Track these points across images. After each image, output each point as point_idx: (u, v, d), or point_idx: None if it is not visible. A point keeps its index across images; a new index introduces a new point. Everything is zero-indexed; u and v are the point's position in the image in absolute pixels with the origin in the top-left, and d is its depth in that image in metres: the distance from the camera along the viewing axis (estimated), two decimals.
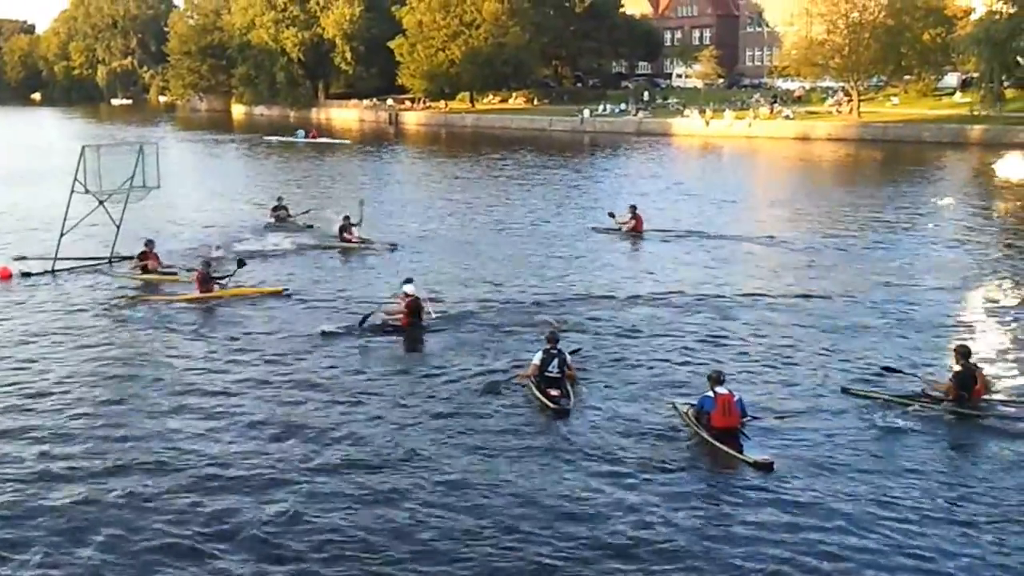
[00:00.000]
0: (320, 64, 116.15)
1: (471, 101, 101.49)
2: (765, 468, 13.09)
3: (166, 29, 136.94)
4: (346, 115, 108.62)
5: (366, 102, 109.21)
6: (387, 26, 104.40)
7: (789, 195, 43.71)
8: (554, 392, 15.76)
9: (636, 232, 31.31)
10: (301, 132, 78.26)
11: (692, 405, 14.58)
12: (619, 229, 31.70)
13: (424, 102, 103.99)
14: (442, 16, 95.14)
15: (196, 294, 22.91)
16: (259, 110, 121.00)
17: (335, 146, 71.99)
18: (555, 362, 16.11)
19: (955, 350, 15.25)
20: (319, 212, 34.84)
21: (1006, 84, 64.18)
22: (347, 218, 30.38)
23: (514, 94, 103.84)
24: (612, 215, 32.39)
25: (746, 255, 28.81)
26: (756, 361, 17.97)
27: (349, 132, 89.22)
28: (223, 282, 23.48)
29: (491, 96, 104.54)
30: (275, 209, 34.30)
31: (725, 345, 19.01)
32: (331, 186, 48.36)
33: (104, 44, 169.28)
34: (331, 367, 17.79)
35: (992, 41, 60.57)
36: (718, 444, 13.75)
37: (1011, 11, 60.55)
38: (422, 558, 11.03)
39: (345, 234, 29.86)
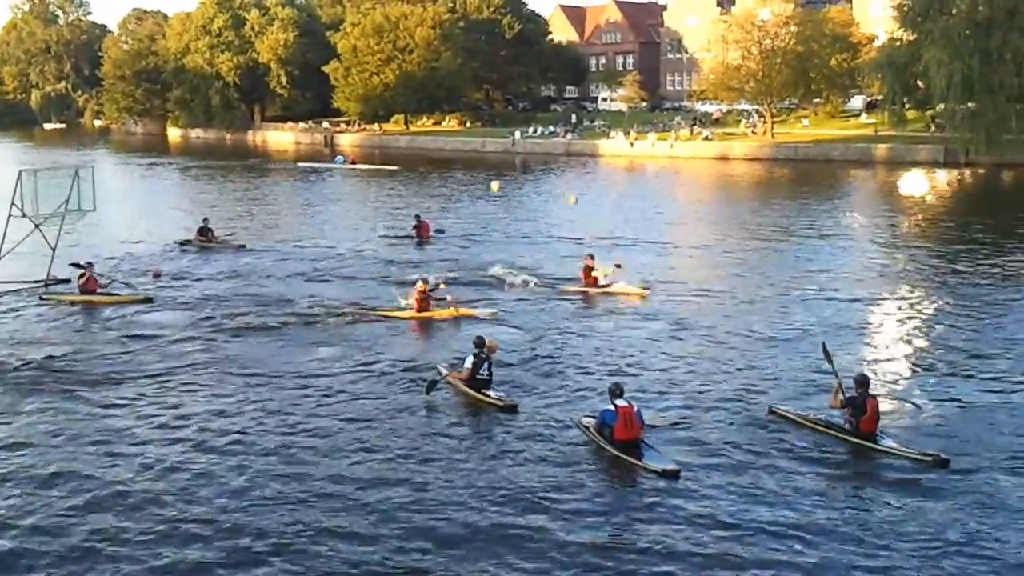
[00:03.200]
0: (256, 87, 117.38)
1: (405, 123, 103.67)
2: (672, 476, 13.25)
3: (100, 54, 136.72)
4: (282, 138, 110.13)
5: (302, 125, 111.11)
6: (322, 51, 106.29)
7: (710, 210, 46.32)
8: (491, 393, 16.51)
9: (424, 238, 34.84)
10: (340, 158, 75.94)
11: (594, 419, 14.61)
12: (410, 236, 35.22)
13: (359, 125, 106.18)
14: (376, 41, 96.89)
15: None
16: (195, 133, 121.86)
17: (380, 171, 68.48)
18: (485, 365, 16.74)
19: (854, 378, 14.99)
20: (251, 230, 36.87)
21: (907, 106, 67.11)
22: (206, 220, 34.57)
23: (447, 117, 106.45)
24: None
25: (668, 266, 30.29)
26: (666, 370, 18.43)
27: (285, 154, 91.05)
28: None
29: (425, 119, 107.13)
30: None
31: (640, 355, 19.61)
32: (264, 206, 49.87)
33: (37, 68, 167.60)
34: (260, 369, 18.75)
35: (894, 66, 63.60)
36: (623, 455, 13.87)
37: (911, 38, 63.59)
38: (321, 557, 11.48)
39: (200, 236, 33.74)
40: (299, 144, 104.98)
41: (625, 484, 13.58)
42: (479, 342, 17.21)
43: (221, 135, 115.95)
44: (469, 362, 16.86)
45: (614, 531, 12.07)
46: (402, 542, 11.77)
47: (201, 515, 12.52)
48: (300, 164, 75.66)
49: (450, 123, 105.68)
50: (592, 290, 25.42)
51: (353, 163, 71.97)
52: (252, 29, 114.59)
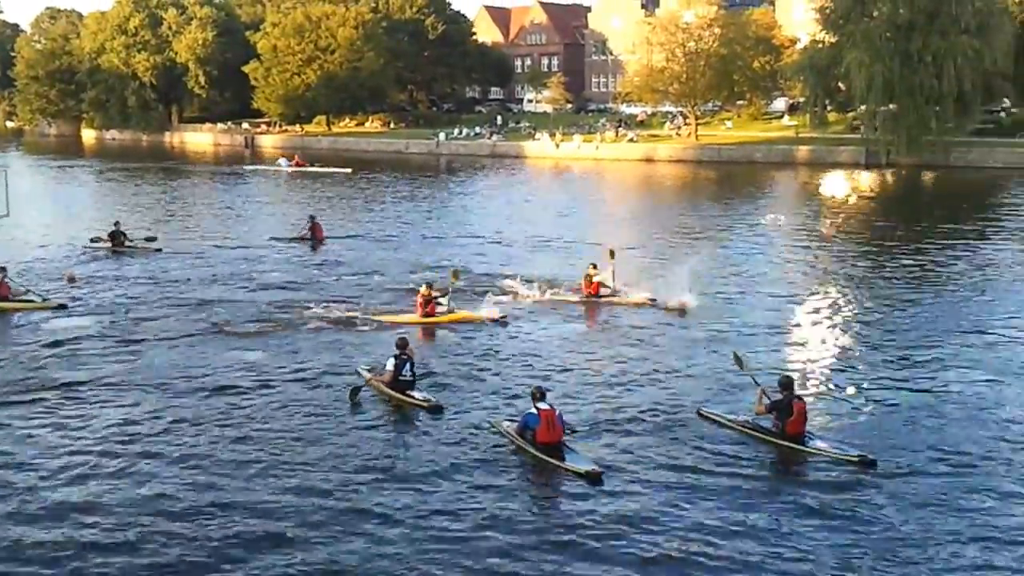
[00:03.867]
0: (173, 88, 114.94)
1: (328, 125, 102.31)
2: (594, 478, 13.25)
3: (12, 54, 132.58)
4: (200, 139, 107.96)
5: (221, 126, 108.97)
6: (241, 50, 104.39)
7: (637, 211, 46.41)
8: (416, 394, 16.50)
9: (318, 240, 34.69)
10: (284, 160, 70.48)
11: (514, 422, 14.61)
12: (303, 238, 34.93)
13: (280, 126, 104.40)
14: (297, 41, 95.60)
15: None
16: (110, 135, 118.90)
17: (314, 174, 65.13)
18: (407, 366, 16.71)
19: (779, 380, 15.02)
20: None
21: (829, 108, 68.26)
22: (117, 223, 33.91)
23: (370, 118, 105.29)
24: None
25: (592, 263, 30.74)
26: (594, 373, 18.33)
27: (204, 156, 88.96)
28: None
29: (347, 120, 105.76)
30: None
31: (568, 357, 19.47)
32: (178, 207, 48.80)
33: None
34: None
35: (815, 68, 64.60)
36: (546, 457, 13.86)
37: (832, 40, 64.59)
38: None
39: (111, 240, 33.23)
40: (218, 146, 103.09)
41: (548, 486, 13.58)
42: (401, 343, 17.12)
43: (137, 136, 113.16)
44: (391, 364, 16.72)
45: (536, 533, 12.03)
46: (318, 547, 11.62)
47: (109, 525, 12.18)
48: (244, 167, 71.30)
49: (373, 124, 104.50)
50: (598, 298, 24.21)
51: (299, 165, 68.24)
52: (169, 28, 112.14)
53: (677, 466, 13.87)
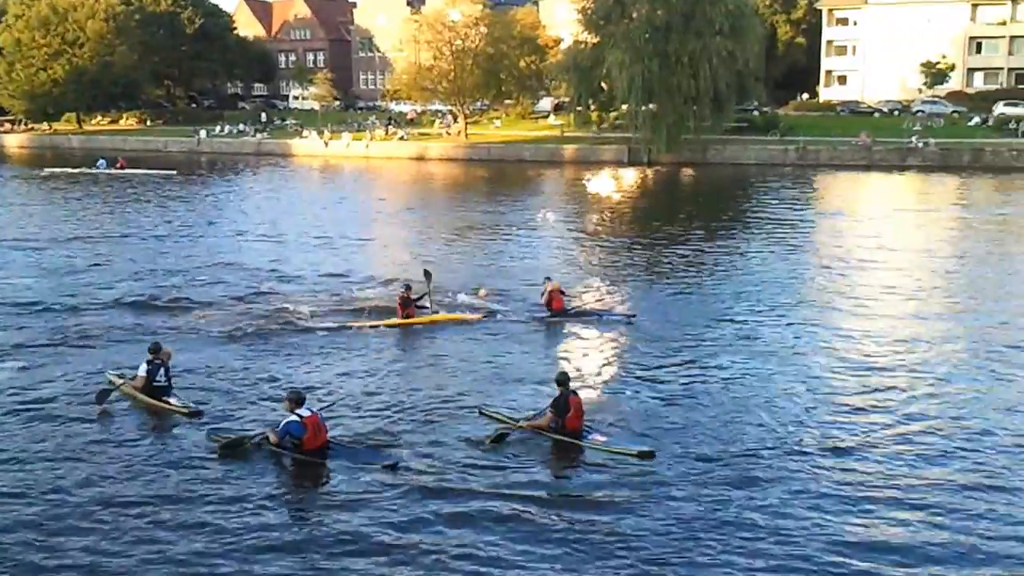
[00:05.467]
0: None
1: (78, 122, 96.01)
2: (391, 468, 13.42)
3: None
4: None
5: None
6: None
7: (410, 209, 46.19)
8: (172, 400, 16.04)
9: None
10: (103, 162, 62.79)
11: (274, 430, 14.01)
12: None
13: (25, 124, 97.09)
14: (42, 34, 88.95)
15: None
16: None
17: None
18: (161, 371, 16.25)
19: (556, 377, 15.16)
20: None
21: (592, 107, 69.89)
22: None
23: (125, 115, 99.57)
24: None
25: (371, 264, 30.45)
26: (372, 375, 18.11)
27: None
28: None
29: (100, 117, 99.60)
30: None
31: (340, 360, 19.18)
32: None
33: None
34: None
35: (579, 68, 66.07)
36: (318, 460, 13.69)
37: (594, 41, 66.42)
38: None
39: None
40: None
41: (311, 485, 13.55)
42: (154, 348, 16.77)
43: None
44: (143, 370, 16.34)
45: (310, 528, 12.16)
46: (54, 553, 11.43)
47: None
48: (50, 170, 62.62)
49: (128, 122, 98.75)
50: (561, 317, 22.61)
51: (121, 167, 61.64)
52: None
53: (457, 465, 13.88)
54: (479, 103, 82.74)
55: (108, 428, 15.51)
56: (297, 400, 13.92)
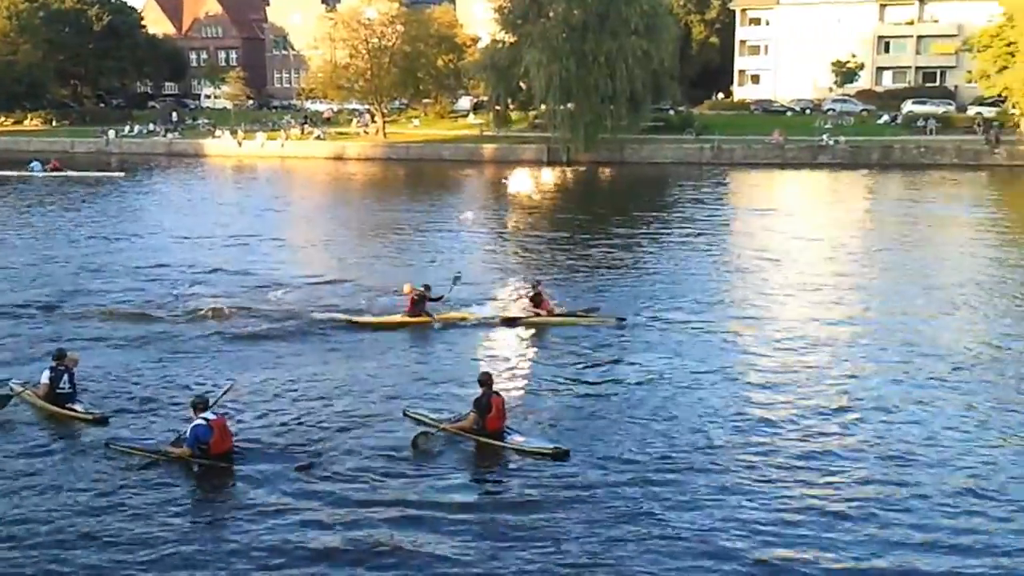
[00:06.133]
0: None
1: None
2: (304, 470, 13.41)
3: None
4: None
5: None
6: None
7: (328, 209, 46.15)
8: (77, 407, 15.69)
9: None
10: (36, 164, 59.64)
11: (178, 443, 13.78)
12: None
13: None
14: None
15: None
16: None
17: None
18: (65, 378, 15.93)
19: (478, 377, 15.17)
20: None
21: (511, 107, 69.86)
22: None
23: (30, 115, 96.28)
24: None
25: (288, 263, 30.09)
26: (293, 381, 17.74)
27: None
28: None
29: (3, 118, 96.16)
30: None
31: (259, 363, 18.88)
32: None
33: None
34: None
35: (497, 68, 65.91)
36: (226, 465, 13.58)
37: (512, 40, 66.27)
38: None
39: None
40: None
41: (222, 491, 13.37)
42: (58, 354, 16.40)
43: None
44: (46, 376, 15.97)
45: (218, 534, 11.98)
46: None
47: None
48: None
49: (33, 122, 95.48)
50: (551, 318, 22.10)
51: (56, 169, 58.42)
52: None
53: (375, 468, 13.82)
54: (397, 102, 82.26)
55: (7, 437, 14.99)
56: (202, 404, 13.76)
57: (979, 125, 66.22)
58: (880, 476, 13.60)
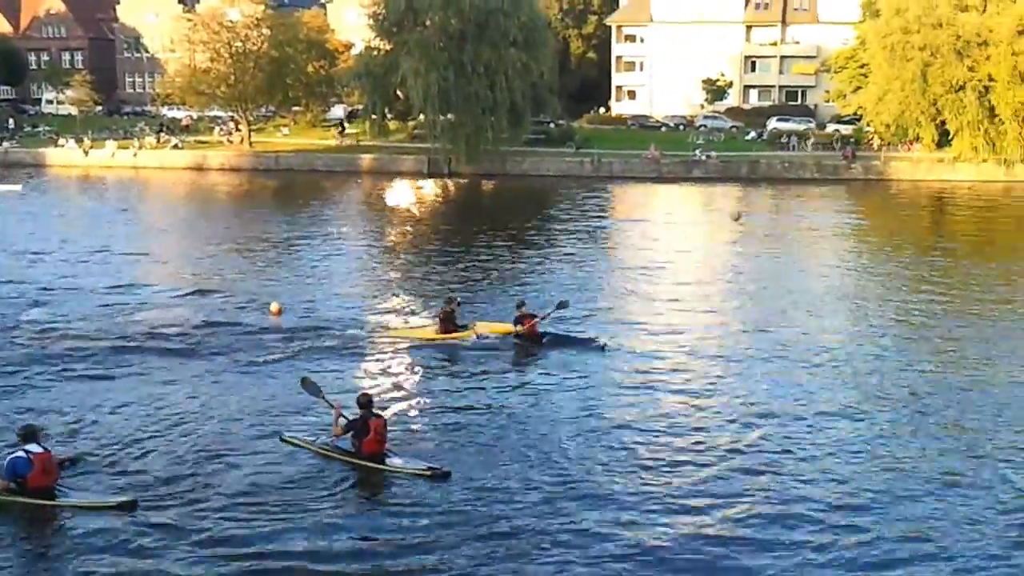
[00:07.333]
0: None
1: None
2: (128, 508, 12.80)
3: None
4: None
5: None
6: None
7: (185, 223, 44.08)
8: None
9: None
10: None
11: None
12: None
13: None
14: None
15: None
16: None
17: None
18: None
19: (357, 399, 14.90)
20: None
21: (389, 116, 67.60)
22: None
23: None
24: None
25: (142, 279, 28.92)
26: (164, 405, 17.10)
27: None
28: None
29: None
30: None
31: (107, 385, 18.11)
32: None
33: None
34: None
35: (372, 75, 63.61)
36: (42, 502, 12.86)
37: (387, 47, 64.08)
38: None
39: None
40: None
41: (48, 529, 12.67)
42: None
43: None
44: None
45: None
46: None
47: None
48: None
49: None
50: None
51: None
52: None
53: (257, 493, 13.58)
54: (264, 109, 78.36)
55: None
56: (26, 435, 13.09)
57: (837, 142, 68.55)
58: (766, 485, 14.00)
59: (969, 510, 13.23)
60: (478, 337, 21.08)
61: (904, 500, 13.56)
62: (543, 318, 21.41)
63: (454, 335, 21.35)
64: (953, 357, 20.96)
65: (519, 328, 21.06)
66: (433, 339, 21.42)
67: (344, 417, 14.65)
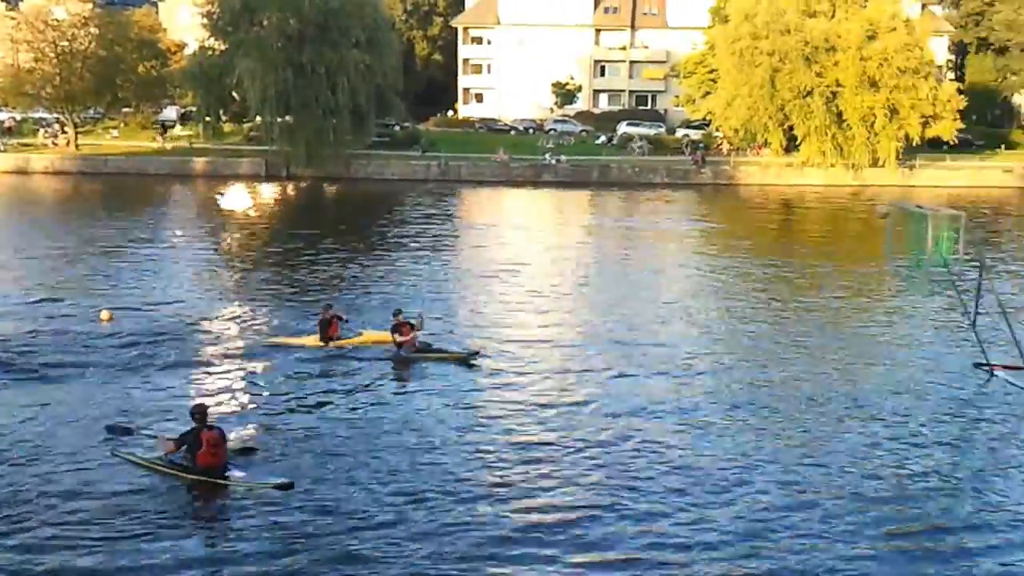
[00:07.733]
0: None
1: None
2: None
3: None
4: None
5: None
6: None
7: (4, 228, 41.79)
8: None
9: None
10: None
11: None
12: None
13: None
14: None
15: None
16: None
17: None
18: None
19: (190, 410, 14.43)
20: None
21: (224, 118, 65.49)
22: None
23: None
24: None
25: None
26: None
27: None
28: None
29: None
30: None
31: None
32: None
33: None
34: None
35: (206, 76, 61.37)
36: None
37: (222, 48, 61.93)
38: None
39: None
40: None
41: None
42: None
43: None
44: None
45: None
46: None
47: None
48: None
49: None
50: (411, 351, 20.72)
51: None
52: None
53: (84, 511, 13.00)
54: (92, 111, 74.64)
55: None
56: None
57: (687, 147, 69.34)
58: (623, 485, 14.19)
59: (808, 496, 13.94)
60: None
61: (752, 492, 14.05)
62: (418, 328, 20.89)
63: (336, 343, 20.97)
64: (795, 353, 21.84)
65: (396, 337, 20.48)
66: (304, 345, 20.95)
67: (170, 440, 14.17)
